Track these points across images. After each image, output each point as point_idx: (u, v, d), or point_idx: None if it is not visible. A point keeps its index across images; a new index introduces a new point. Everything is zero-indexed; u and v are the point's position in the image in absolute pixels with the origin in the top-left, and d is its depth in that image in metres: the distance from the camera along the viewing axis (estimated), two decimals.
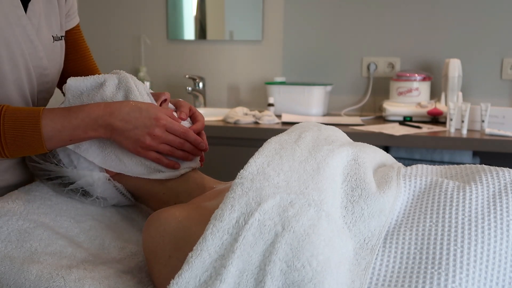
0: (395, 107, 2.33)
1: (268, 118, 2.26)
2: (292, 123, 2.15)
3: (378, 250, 0.76)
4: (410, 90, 2.35)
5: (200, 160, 1.06)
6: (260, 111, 2.41)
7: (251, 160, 0.80)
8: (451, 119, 2.10)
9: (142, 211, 1.13)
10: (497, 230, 0.75)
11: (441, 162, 2.14)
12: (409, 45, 2.52)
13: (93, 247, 0.95)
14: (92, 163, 0.98)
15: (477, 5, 2.41)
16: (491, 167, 0.89)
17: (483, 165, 0.91)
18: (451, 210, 0.79)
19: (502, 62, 2.42)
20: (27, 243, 0.89)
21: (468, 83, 2.43)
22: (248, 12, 2.69)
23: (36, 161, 1.00)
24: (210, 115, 2.47)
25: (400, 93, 2.37)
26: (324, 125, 0.99)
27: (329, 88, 2.50)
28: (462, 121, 2.07)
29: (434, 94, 2.46)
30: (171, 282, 0.69)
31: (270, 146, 0.85)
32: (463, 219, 0.77)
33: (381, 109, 2.49)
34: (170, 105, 1.06)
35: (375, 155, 0.95)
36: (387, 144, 2.07)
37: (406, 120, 2.31)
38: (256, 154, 0.82)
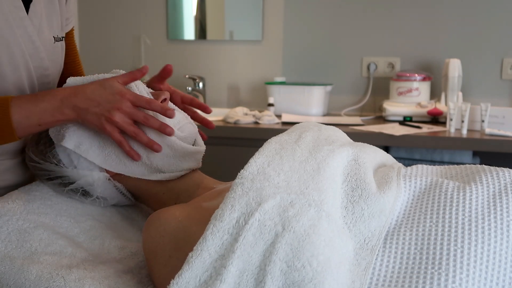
0: (395, 107, 2.33)
1: (268, 118, 2.26)
2: (292, 123, 2.15)
3: (378, 251, 0.76)
4: (410, 90, 2.35)
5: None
6: (260, 111, 2.41)
7: (251, 160, 0.80)
8: (451, 119, 2.10)
9: (142, 211, 1.13)
10: (497, 230, 0.75)
11: (441, 162, 2.14)
12: (409, 45, 2.52)
13: (93, 247, 0.95)
14: (92, 163, 0.98)
15: (477, 5, 2.41)
16: (491, 167, 0.89)
17: (483, 165, 0.91)
18: (451, 210, 0.79)
19: (502, 62, 2.42)
20: (27, 243, 0.89)
21: (468, 83, 2.43)
22: (248, 12, 2.69)
23: (36, 161, 1.00)
24: (210, 115, 2.46)
25: (400, 93, 2.37)
26: (324, 125, 0.99)
27: (329, 88, 2.50)
28: (462, 121, 2.08)
29: (434, 94, 2.46)
30: (171, 282, 0.69)
31: (271, 146, 0.85)
32: (463, 219, 0.77)
33: (381, 109, 2.49)
34: (171, 104, 1.06)
35: (375, 155, 0.95)
36: (387, 144, 2.07)
37: (406, 120, 2.31)
38: (256, 154, 0.82)
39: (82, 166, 0.98)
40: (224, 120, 2.31)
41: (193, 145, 1.05)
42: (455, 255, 0.72)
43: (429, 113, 2.25)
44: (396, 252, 0.75)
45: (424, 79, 2.36)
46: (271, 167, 0.79)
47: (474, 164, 0.95)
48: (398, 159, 2.06)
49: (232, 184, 0.77)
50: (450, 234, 0.75)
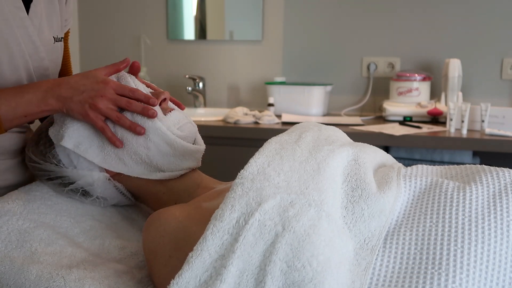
0: (395, 107, 2.33)
1: (268, 118, 2.26)
2: (292, 123, 2.15)
3: (378, 251, 0.76)
4: (410, 90, 2.35)
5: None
6: (260, 111, 2.41)
7: (252, 160, 0.80)
8: (451, 119, 2.10)
9: (142, 211, 1.13)
10: (497, 231, 0.75)
11: (441, 162, 2.14)
12: (409, 45, 2.52)
13: (93, 247, 0.95)
14: (92, 163, 0.98)
15: (477, 5, 2.41)
16: (491, 167, 0.89)
17: (483, 165, 0.91)
18: (451, 210, 0.79)
19: (502, 62, 2.42)
20: (27, 243, 0.89)
21: (468, 83, 2.43)
22: (248, 12, 2.69)
23: (36, 161, 1.00)
24: (210, 115, 2.47)
25: (400, 93, 2.37)
26: (324, 125, 0.99)
27: (329, 88, 2.50)
28: (462, 121, 2.08)
29: (434, 94, 2.46)
30: (171, 282, 0.69)
31: (271, 146, 0.85)
32: (463, 219, 0.77)
33: (381, 109, 2.49)
34: (170, 104, 1.06)
35: (375, 155, 0.95)
36: (387, 144, 2.07)
37: (406, 120, 2.31)
38: (257, 154, 0.82)
39: (82, 166, 0.98)
40: (224, 120, 2.31)
41: (193, 144, 1.05)
42: (455, 255, 0.72)
43: (429, 113, 2.25)
44: (396, 252, 0.75)
45: (424, 79, 2.36)
46: (271, 167, 0.79)
47: (474, 164, 0.95)
48: (398, 159, 2.06)
49: (232, 184, 0.77)
50: (450, 234, 0.75)
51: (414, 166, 0.94)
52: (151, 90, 1.05)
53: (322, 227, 0.71)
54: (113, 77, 1.01)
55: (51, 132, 0.98)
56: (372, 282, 0.72)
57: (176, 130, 0.99)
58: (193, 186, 1.01)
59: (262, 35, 2.67)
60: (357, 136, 1.97)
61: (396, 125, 2.23)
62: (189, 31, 2.79)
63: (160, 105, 1.01)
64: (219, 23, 2.78)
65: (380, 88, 2.55)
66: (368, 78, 2.58)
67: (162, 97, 1.02)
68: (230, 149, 2.18)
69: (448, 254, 0.72)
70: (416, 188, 0.86)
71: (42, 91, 0.93)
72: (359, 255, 0.75)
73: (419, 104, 2.32)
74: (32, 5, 1.01)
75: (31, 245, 0.88)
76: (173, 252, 0.79)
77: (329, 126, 0.99)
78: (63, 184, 1.00)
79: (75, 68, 1.97)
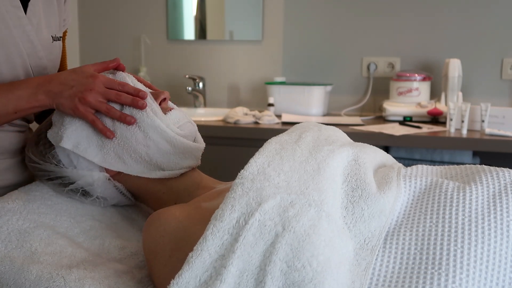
0: (395, 107, 2.33)
1: (268, 118, 2.26)
2: (292, 123, 2.15)
3: (378, 251, 0.76)
4: (410, 90, 2.35)
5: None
6: (260, 111, 2.41)
7: (252, 160, 0.80)
8: (451, 119, 2.10)
9: (142, 211, 1.13)
10: (497, 231, 0.75)
11: (441, 162, 2.14)
12: (409, 45, 2.52)
13: (93, 247, 0.95)
14: (92, 163, 0.98)
15: (477, 5, 2.41)
16: (491, 167, 0.89)
17: (483, 165, 0.91)
18: (451, 210, 0.79)
19: (502, 62, 2.42)
20: (27, 243, 0.89)
21: (468, 83, 2.43)
22: (248, 12, 2.69)
23: (36, 162, 1.00)
24: (210, 115, 2.47)
25: (400, 93, 2.37)
26: (324, 125, 0.99)
27: (329, 88, 2.50)
28: (462, 121, 2.07)
29: (434, 94, 2.46)
30: (171, 282, 0.69)
31: (271, 146, 0.85)
32: (463, 219, 0.77)
33: (381, 109, 2.49)
34: (170, 104, 1.06)
35: (375, 156, 0.95)
36: (387, 144, 2.07)
37: (406, 120, 2.31)
38: (257, 154, 0.82)
39: (81, 166, 0.98)
40: (224, 120, 2.31)
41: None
42: (455, 255, 0.72)
43: (429, 113, 2.25)
44: (396, 252, 0.75)
45: (424, 79, 2.36)
46: (271, 167, 0.79)
47: (474, 164, 0.95)
48: (398, 159, 2.06)
49: (232, 184, 0.77)
50: (450, 234, 0.75)
51: (414, 166, 0.94)
52: (151, 90, 1.05)
53: (322, 227, 0.71)
54: (112, 76, 1.01)
55: (50, 135, 0.98)
56: (372, 282, 0.72)
57: (176, 128, 1.00)
58: (193, 185, 1.01)
59: (262, 35, 2.67)
60: (357, 136, 1.97)
61: (396, 125, 2.23)
62: (189, 31, 2.79)
63: (160, 104, 1.01)
64: (219, 23, 2.78)
65: (380, 88, 2.55)
66: (368, 78, 2.58)
67: (162, 96, 1.02)
68: (230, 149, 2.18)
69: (448, 254, 0.72)
70: (416, 188, 0.86)
71: (33, 87, 0.94)
72: (359, 255, 0.75)
73: (419, 104, 2.32)
74: (30, 4, 1.02)
75: (31, 245, 0.88)
76: (173, 252, 0.79)
77: (329, 126, 0.99)
78: (63, 184, 1.00)
79: None
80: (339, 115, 2.55)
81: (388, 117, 2.35)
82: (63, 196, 1.03)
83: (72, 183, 1.00)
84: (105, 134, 0.95)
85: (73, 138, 0.96)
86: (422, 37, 2.49)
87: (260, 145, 0.86)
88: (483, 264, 0.71)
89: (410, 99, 2.35)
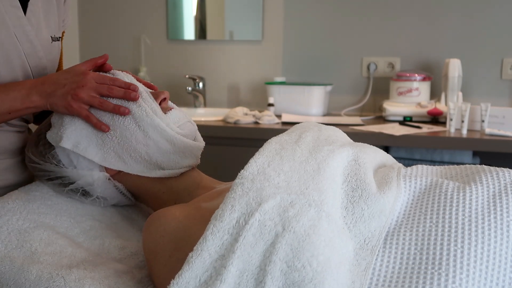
0: (395, 107, 2.33)
1: (268, 118, 2.26)
2: (292, 123, 2.15)
3: (378, 251, 0.76)
4: (410, 90, 2.35)
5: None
6: (260, 111, 2.41)
7: (252, 160, 0.80)
8: (451, 119, 2.10)
9: (142, 211, 1.13)
10: (497, 231, 0.75)
11: (441, 162, 2.14)
12: (409, 45, 2.52)
13: (93, 247, 0.95)
14: (92, 163, 0.98)
15: (477, 5, 2.41)
16: (491, 167, 0.89)
17: (483, 165, 0.91)
18: (451, 210, 0.79)
19: (502, 62, 2.42)
20: (27, 243, 0.89)
21: (468, 83, 2.43)
22: (248, 12, 2.69)
23: (36, 162, 1.00)
24: (210, 115, 2.47)
25: (400, 93, 2.37)
26: (324, 125, 0.99)
27: (329, 88, 2.50)
28: (462, 121, 2.07)
29: (434, 94, 2.46)
30: (171, 282, 0.69)
31: (271, 146, 0.85)
32: (463, 219, 0.77)
33: (381, 109, 2.49)
34: (170, 103, 1.06)
35: (375, 156, 0.95)
36: (387, 144, 2.07)
37: (406, 120, 2.31)
38: (257, 154, 0.82)
39: (81, 166, 0.98)
40: (224, 120, 2.31)
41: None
42: (455, 255, 0.72)
43: (429, 113, 2.25)
44: (396, 252, 0.75)
45: (424, 79, 2.36)
46: (271, 167, 0.79)
47: (474, 164, 0.95)
48: (398, 159, 2.06)
49: (232, 184, 0.77)
50: (450, 234, 0.75)
51: (414, 166, 0.94)
52: (151, 90, 1.05)
53: (322, 227, 0.71)
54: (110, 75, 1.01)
55: (49, 136, 0.98)
56: (372, 282, 0.72)
57: (176, 128, 1.00)
58: (193, 185, 1.01)
59: (262, 35, 2.67)
60: (357, 136, 1.97)
61: (396, 125, 2.23)
62: (189, 31, 2.79)
63: (160, 104, 1.01)
64: (219, 23, 2.78)
65: (380, 88, 2.55)
66: (368, 78, 2.58)
67: (162, 96, 1.02)
68: (230, 149, 2.18)
69: (448, 254, 0.72)
70: (416, 188, 0.86)
71: (27, 89, 0.95)
72: (359, 255, 0.75)
73: (419, 104, 2.32)
74: (29, 4, 1.02)
75: (31, 245, 0.88)
76: (173, 252, 0.79)
77: (329, 126, 0.99)
78: (63, 184, 1.00)
79: None
80: (339, 115, 2.55)
81: (388, 117, 2.35)
82: (63, 196, 1.03)
83: (72, 183, 1.00)
84: (100, 128, 0.95)
85: (73, 137, 0.96)
86: (422, 37, 2.49)
87: (260, 145, 0.86)
88: (483, 264, 0.71)
89: (410, 99, 2.35)
